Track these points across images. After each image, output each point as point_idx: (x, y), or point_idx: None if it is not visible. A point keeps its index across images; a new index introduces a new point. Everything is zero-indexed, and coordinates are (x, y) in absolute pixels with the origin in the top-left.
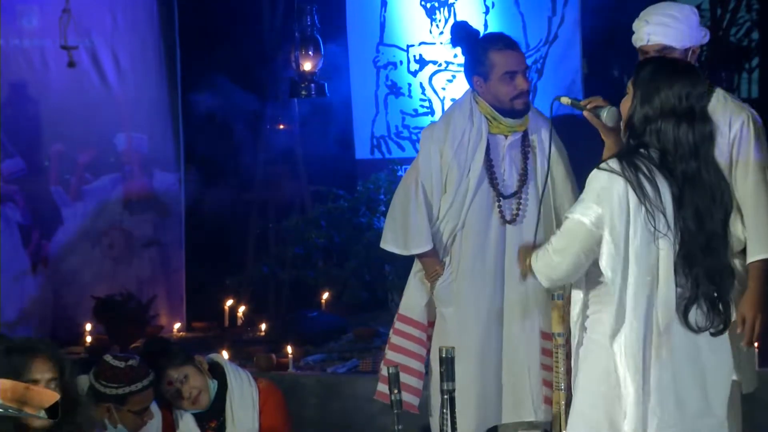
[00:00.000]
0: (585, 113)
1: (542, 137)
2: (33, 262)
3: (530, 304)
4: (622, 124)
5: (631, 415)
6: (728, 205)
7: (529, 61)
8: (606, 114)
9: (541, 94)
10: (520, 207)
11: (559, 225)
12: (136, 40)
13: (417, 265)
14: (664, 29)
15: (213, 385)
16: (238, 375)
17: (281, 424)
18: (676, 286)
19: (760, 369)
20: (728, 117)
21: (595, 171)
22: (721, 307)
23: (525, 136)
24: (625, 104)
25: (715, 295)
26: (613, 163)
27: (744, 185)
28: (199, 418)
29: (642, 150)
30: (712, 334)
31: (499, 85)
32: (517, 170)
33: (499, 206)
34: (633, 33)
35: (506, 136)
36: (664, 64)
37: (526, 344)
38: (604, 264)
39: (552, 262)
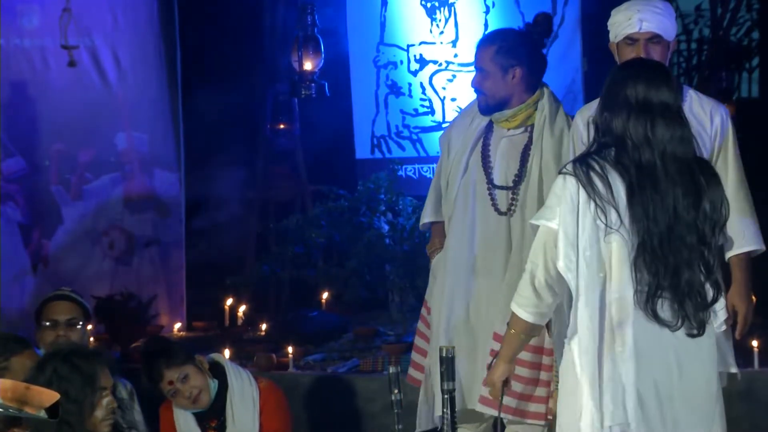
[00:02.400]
0: None
1: (544, 143)
2: (33, 261)
3: (490, 299)
4: None
5: (586, 411)
6: (702, 192)
7: None
8: None
9: None
10: (513, 202)
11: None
12: (137, 39)
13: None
14: (657, 18)
15: (213, 384)
16: (238, 374)
17: (282, 423)
18: (636, 280)
19: (760, 369)
20: (708, 111)
21: (557, 176)
22: (693, 302)
23: (531, 135)
24: None
25: (686, 288)
26: (568, 166)
27: (725, 178)
28: (200, 418)
29: (603, 150)
30: (692, 336)
31: None
32: (511, 167)
33: (490, 194)
34: (611, 28)
35: (507, 129)
36: (625, 67)
37: (482, 339)
38: (562, 264)
39: (533, 283)
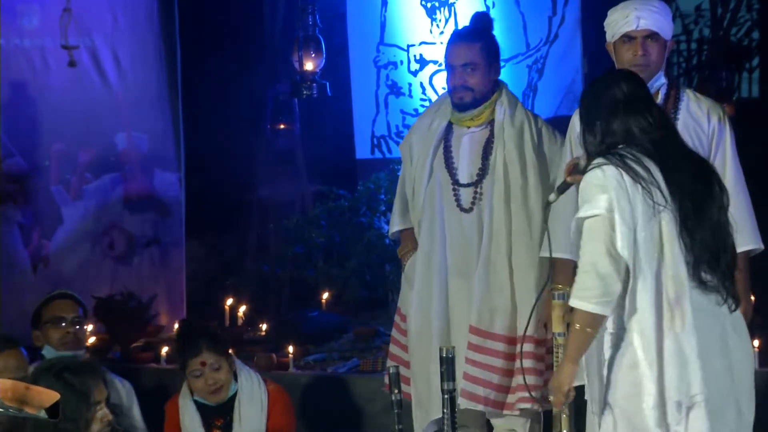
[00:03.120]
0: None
1: (505, 135)
2: (33, 261)
3: (465, 297)
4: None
5: (648, 394)
6: (710, 174)
7: (529, 61)
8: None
9: (542, 93)
10: (475, 197)
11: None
12: (137, 39)
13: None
14: (654, 16)
15: (234, 386)
16: (249, 376)
17: (287, 427)
18: (685, 254)
19: (760, 369)
20: (705, 111)
21: (586, 174)
22: (723, 275)
23: (493, 131)
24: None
25: (721, 257)
26: (598, 159)
27: (723, 178)
28: (206, 416)
29: (616, 147)
30: (731, 309)
31: (448, 78)
32: (474, 162)
33: (455, 193)
34: (608, 28)
35: (468, 127)
36: (599, 78)
37: (457, 335)
38: (620, 245)
39: (596, 272)
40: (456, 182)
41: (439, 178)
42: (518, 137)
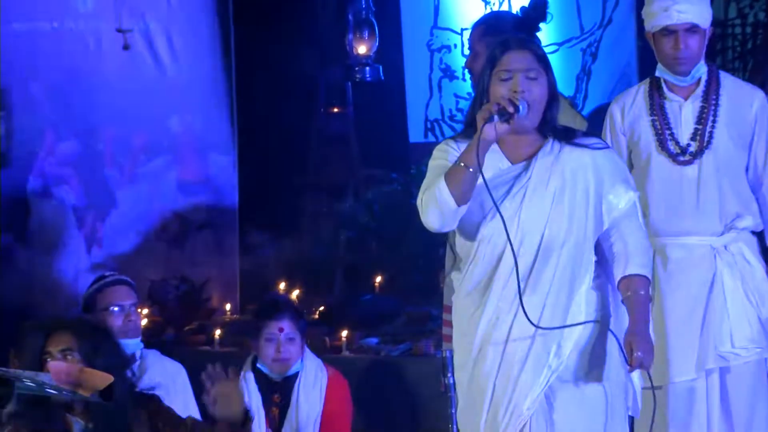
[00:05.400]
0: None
1: None
2: (87, 244)
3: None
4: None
5: None
6: None
7: (583, 45)
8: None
9: (596, 77)
10: None
11: None
12: (191, 22)
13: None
14: (693, 8)
15: (300, 365)
16: (313, 360)
17: (344, 413)
18: None
19: None
20: (746, 94)
21: (612, 152)
22: None
23: None
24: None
25: None
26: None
27: (765, 162)
28: (265, 391)
29: None
30: None
31: None
32: None
33: None
34: (646, 18)
35: None
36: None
37: None
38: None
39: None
40: None
41: None
42: None
